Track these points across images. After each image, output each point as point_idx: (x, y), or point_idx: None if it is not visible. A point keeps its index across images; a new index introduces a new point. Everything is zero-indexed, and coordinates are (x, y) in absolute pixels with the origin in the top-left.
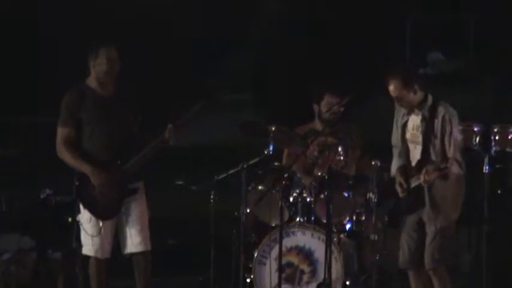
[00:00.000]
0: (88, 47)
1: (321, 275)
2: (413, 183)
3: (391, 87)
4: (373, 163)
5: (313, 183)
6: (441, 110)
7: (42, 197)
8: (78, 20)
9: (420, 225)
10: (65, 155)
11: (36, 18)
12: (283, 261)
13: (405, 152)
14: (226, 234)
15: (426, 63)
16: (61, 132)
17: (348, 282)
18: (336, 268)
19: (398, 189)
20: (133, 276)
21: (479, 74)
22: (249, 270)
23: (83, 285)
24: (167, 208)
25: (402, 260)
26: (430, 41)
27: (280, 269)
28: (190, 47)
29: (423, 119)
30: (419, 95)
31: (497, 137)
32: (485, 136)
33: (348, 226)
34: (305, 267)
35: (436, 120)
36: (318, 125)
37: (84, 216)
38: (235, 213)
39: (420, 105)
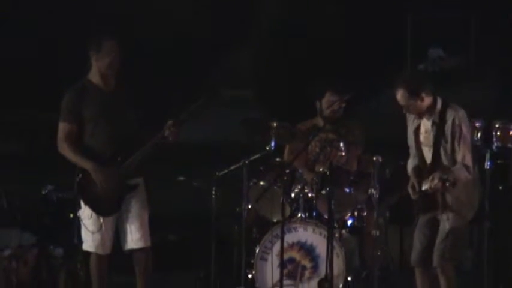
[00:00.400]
0: (89, 41)
1: (322, 270)
2: (424, 187)
3: (398, 97)
4: (374, 159)
5: (315, 179)
6: (451, 115)
7: (43, 193)
8: (80, 14)
9: (434, 223)
10: (66, 151)
11: (37, 13)
12: (285, 257)
13: (419, 155)
14: (228, 230)
15: (427, 60)
16: (62, 128)
17: (349, 278)
18: (338, 264)
19: (411, 191)
20: (134, 272)
21: (480, 70)
22: (250, 266)
23: (84, 281)
24: (168, 204)
25: (413, 256)
26: (431, 38)
27: (282, 264)
28: (191, 43)
29: (433, 124)
30: (427, 101)
31: (498, 133)
32: (487, 132)
33: (349, 222)
34: (307, 263)
35: (446, 125)
36: (319, 122)
37: (85, 212)
38: (237, 209)
39: (429, 111)
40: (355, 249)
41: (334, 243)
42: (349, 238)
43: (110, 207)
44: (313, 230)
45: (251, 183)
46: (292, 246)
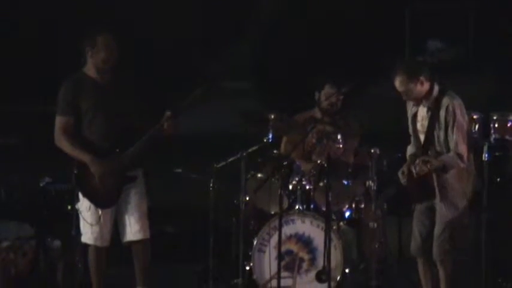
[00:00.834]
0: (84, 36)
1: (320, 262)
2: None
3: (397, 83)
4: (372, 151)
5: (313, 171)
6: (445, 102)
7: (41, 185)
8: (78, 8)
9: (432, 212)
10: (64, 144)
11: (36, 7)
12: (283, 249)
13: (417, 142)
14: (226, 222)
15: (425, 51)
16: (59, 121)
17: (347, 270)
18: (335, 256)
19: (400, 176)
20: (133, 264)
21: (478, 62)
22: (248, 258)
23: (83, 273)
24: (166, 196)
25: (413, 246)
26: (430, 29)
27: (280, 256)
28: (190, 35)
29: (428, 110)
30: (426, 85)
31: (496, 125)
32: (485, 124)
33: (347, 214)
34: (304, 255)
35: (440, 112)
36: (317, 113)
37: (83, 205)
38: (235, 201)
39: (426, 97)
40: (353, 241)
41: (332, 235)
42: (347, 230)
43: (108, 200)
44: (311, 222)
45: (249, 175)
46: (290, 238)
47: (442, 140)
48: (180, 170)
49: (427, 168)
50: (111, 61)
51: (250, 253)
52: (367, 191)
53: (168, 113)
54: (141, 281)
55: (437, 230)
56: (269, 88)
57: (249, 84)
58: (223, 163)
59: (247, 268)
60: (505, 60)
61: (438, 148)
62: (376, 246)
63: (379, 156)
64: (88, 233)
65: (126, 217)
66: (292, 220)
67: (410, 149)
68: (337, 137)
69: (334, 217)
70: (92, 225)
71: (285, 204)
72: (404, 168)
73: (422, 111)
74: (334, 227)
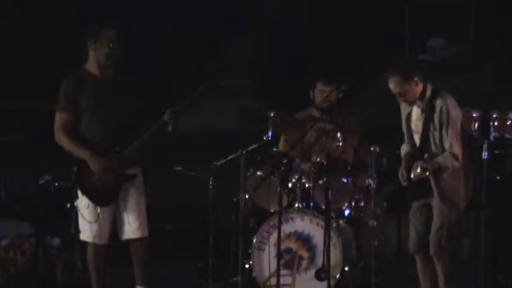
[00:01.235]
0: (87, 31)
1: (319, 260)
2: (411, 175)
3: (392, 85)
4: (371, 149)
5: (312, 169)
6: (439, 103)
7: (41, 183)
8: (78, 4)
9: (428, 209)
10: (63, 141)
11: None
12: (282, 247)
13: (411, 142)
14: (225, 220)
15: (426, 49)
16: (59, 118)
17: (346, 268)
18: (335, 254)
19: (400, 178)
20: (132, 262)
21: (478, 60)
22: (247, 256)
23: (82, 271)
24: (166, 194)
25: (411, 244)
26: (430, 26)
27: (279, 255)
28: (190, 33)
29: (423, 111)
30: (420, 86)
31: (496, 123)
32: (484, 122)
33: (346, 212)
34: (304, 253)
35: (435, 113)
36: (315, 112)
37: (82, 202)
38: (234, 199)
39: (420, 98)
40: (353, 239)
41: (332, 234)
42: (346, 228)
43: (107, 197)
44: (311, 220)
45: (248, 173)
46: (289, 236)
47: (437, 140)
48: (179, 168)
49: (425, 174)
50: (114, 57)
51: (249, 251)
52: (366, 189)
53: (168, 112)
54: (140, 279)
55: (434, 226)
56: (268, 86)
57: (248, 82)
58: (222, 161)
59: (247, 266)
60: (504, 59)
61: (434, 149)
62: (376, 244)
63: (378, 154)
64: (87, 230)
65: (125, 215)
66: (292, 218)
67: (404, 148)
68: (336, 135)
69: (333, 215)
70: (90, 223)
71: (285, 202)
72: (404, 171)
73: (417, 112)
74: (334, 225)
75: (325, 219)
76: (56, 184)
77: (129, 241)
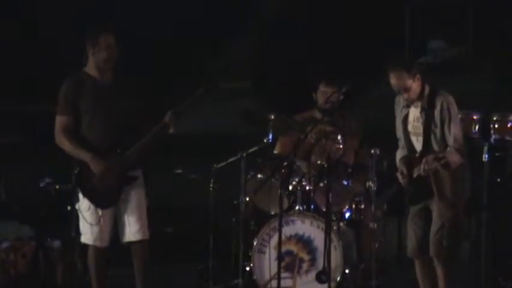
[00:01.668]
0: (87, 35)
1: (320, 263)
2: (415, 173)
3: (395, 80)
4: (372, 151)
5: (313, 171)
6: (439, 100)
7: (41, 185)
8: (78, 7)
9: (426, 213)
10: (64, 143)
11: (36, 6)
12: (283, 249)
13: (408, 145)
14: (226, 223)
15: (426, 51)
16: (59, 120)
17: (347, 271)
18: (335, 256)
19: (400, 177)
20: (132, 264)
21: (478, 61)
22: (248, 259)
23: (82, 274)
24: (166, 196)
25: (410, 248)
26: (430, 27)
27: (280, 257)
28: (190, 34)
29: (422, 110)
30: (420, 84)
31: (496, 126)
32: (485, 124)
33: (347, 214)
34: (304, 255)
35: (435, 110)
36: (317, 114)
37: (83, 205)
38: (235, 202)
39: (419, 96)
40: (353, 241)
41: (332, 236)
42: (346, 231)
43: (108, 200)
44: (311, 222)
45: (249, 176)
46: (290, 238)
47: (439, 138)
48: (180, 171)
49: (439, 164)
50: (113, 60)
51: (250, 253)
52: (367, 191)
53: (169, 113)
54: (140, 281)
55: (434, 228)
56: (269, 88)
57: (249, 84)
58: (223, 163)
59: (247, 269)
60: (504, 60)
61: (436, 147)
62: (376, 246)
63: (379, 156)
64: (88, 233)
65: (126, 217)
66: (292, 221)
67: (399, 153)
68: (337, 137)
69: (334, 218)
70: (91, 225)
71: (285, 205)
72: (403, 168)
73: (414, 112)
74: (334, 228)
75: (325, 221)
76: (57, 186)
77: (130, 243)
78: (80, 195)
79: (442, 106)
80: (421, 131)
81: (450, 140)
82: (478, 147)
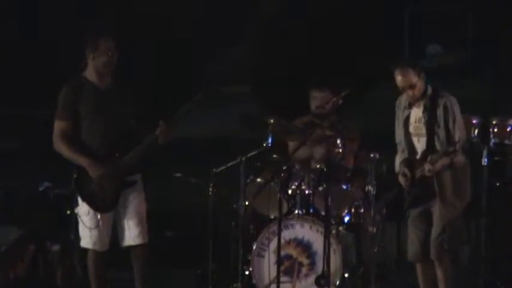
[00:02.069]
0: (86, 39)
1: (319, 267)
2: (418, 174)
3: (401, 77)
4: (371, 155)
5: (312, 175)
6: (442, 99)
7: (40, 189)
8: (78, 11)
9: (427, 216)
10: (62, 148)
11: (36, 11)
12: (282, 253)
13: (409, 146)
14: (225, 227)
15: (425, 56)
16: (58, 125)
17: (346, 275)
18: (335, 260)
19: (402, 179)
20: (131, 268)
21: (477, 66)
22: (247, 263)
23: (82, 278)
24: (165, 200)
25: (412, 252)
26: (429, 33)
27: (279, 261)
28: (189, 39)
29: (425, 110)
30: (423, 84)
31: (495, 130)
32: (484, 128)
33: (346, 218)
34: (304, 259)
35: (438, 110)
36: (314, 118)
37: (82, 209)
38: (234, 206)
39: (422, 96)
40: (352, 245)
41: (331, 240)
42: (346, 235)
43: (107, 204)
44: (310, 226)
45: (248, 180)
46: (289, 242)
47: (441, 138)
48: (179, 175)
49: (449, 161)
50: (112, 64)
51: (249, 257)
52: (366, 195)
53: (161, 123)
54: (140, 285)
55: (435, 230)
56: (268, 93)
57: (248, 88)
58: (222, 167)
59: (247, 272)
60: (504, 65)
61: (438, 147)
62: (375, 250)
63: (378, 160)
64: (87, 237)
65: (125, 221)
66: (292, 225)
67: (399, 157)
68: (336, 141)
69: (333, 222)
70: (90, 229)
71: (284, 209)
72: (405, 170)
73: (416, 113)
74: (334, 232)
75: (325, 225)
76: (56, 191)
77: (130, 247)
78: (79, 200)
79: (445, 106)
80: (422, 131)
81: (455, 138)
82: (477, 152)
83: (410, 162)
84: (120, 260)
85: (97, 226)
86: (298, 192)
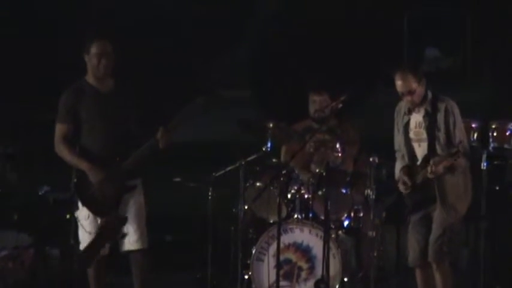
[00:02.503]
0: (84, 42)
1: (319, 271)
2: (419, 179)
3: (401, 82)
4: (371, 159)
5: (311, 179)
6: (443, 104)
7: (40, 193)
8: (78, 16)
9: (428, 220)
10: (63, 152)
11: (36, 15)
12: (281, 258)
13: (409, 152)
14: (224, 231)
15: (423, 60)
16: (59, 129)
17: (345, 279)
18: (334, 265)
19: (402, 187)
20: (131, 273)
21: (477, 70)
22: (247, 267)
23: (81, 282)
24: (165, 205)
25: (412, 257)
26: (427, 37)
27: (278, 265)
28: (189, 43)
29: (426, 114)
30: (424, 89)
31: (495, 134)
32: (483, 132)
33: (346, 223)
34: (303, 263)
35: (438, 114)
36: (313, 122)
37: (82, 213)
38: (233, 210)
39: (422, 101)
40: (352, 250)
41: (331, 244)
42: (345, 239)
43: (107, 208)
44: (310, 231)
45: (247, 184)
46: (288, 247)
47: (442, 143)
48: (179, 179)
49: (451, 163)
50: (106, 67)
51: (249, 262)
52: (366, 199)
53: (161, 129)
54: None
55: (435, 234)
56: (268, 97)
57: (247, 93)
58: (222, 172)
59: (246, 277)
60: (502, 69)
61: (440, 151)
62: (375, 254)
63: (378, 164)
64: (86, 241)
65: (125, 226)
66: (291, 229)
67: (399, 164)
68: (335, 145)
69: (332, 226)
70: (90, 233)
71: (284, 213)
72: (404, 178)
73: (416, 118)
74: (333, 236)
75: (324, 229)
76: (55, 195)
77: (129, 252)
78: (79, 204)
79: (446, 110)
80: (423, 136)
81: (456, 142)
82: (476, 156)
83: (410, 169)
84: (119, 264)
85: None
86: (297, 196)
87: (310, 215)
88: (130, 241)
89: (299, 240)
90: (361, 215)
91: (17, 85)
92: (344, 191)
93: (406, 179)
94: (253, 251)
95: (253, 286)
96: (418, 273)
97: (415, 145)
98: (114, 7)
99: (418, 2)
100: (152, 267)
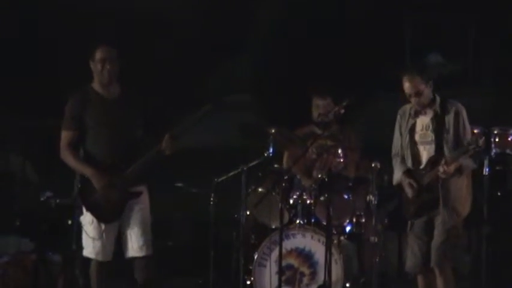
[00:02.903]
0: (89, 48)
1: (321, 277)
2: (426, 181)
3: (408, 83)
4: (373, 165)
5: (313, 185)
6: (452, 106)
7: (42, 199)
8: (80, 21)
9: (430, 226)
10: (68, 158)
11: (36, 20)
12: (283, 263)
13: (413, 156)
14: (226, 236)
15: (425, 65)
16: (65, 135)
17: (347, 285)
18: (336, 270)
19: (409, 190)
20: (134, 279)
21: (479, 75)
22: (249, 273)
23: None
24: (167, 210)
25: (413, 263)
26: (429, 42)
27: (280, 271)
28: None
29: (435, 116)
30: (430, 91)
31: (497, 139)
32: (485, 138)
33: (348, 228)
34: (305, 269)
35: (448, 116)
36: (316, 128)
37: (86, 218)
38: (235, 216)
39: (430, 104)
40: (354, 255)
41: (333, 250)
42: (347, 244)
43: (111, 214)
44: (312, 236)
45: (250, 190)
46: (290, 252)
47: (450, 144)
48: (180, 184)
49: (460, 164)
50: (110, 74)
51: (250, 267)
52: (367, 205)
53: (166, 136)
54: None
55: (438, 238)
56: (270, 102)
57: (249, 98)
58: (223, 177)
59: (248, 282)
60: (504, 75)
61: (447, 153)
62: (377, 260)
63: (380, 170)
64: (90, 247)
65: (129, 233)
66: (293, 234)
67: (399, 169)
68: (337, 151)
69: (334, 231)
70: (94, 239)
71: (286, 219)
72: (410, 180)
73: (423, 121)
74: (335, 242)
75: (326, 235)
76: (57, 200)
77: (133, 259)
78: (84, 209)
79: (456, 112)
80: (429, 139)
81: (464, 143)
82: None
83: (413, 172)
84: (123, 271)
85: (100, 237)
86: (299, 201)
87: (312, 220)
88: (135, 248)
89: (301, 246)
90: (363, 220)
91: (19, 90)
92: (346, 196)
93: (411, 180)
94: (255, 257)
95: None
96: (419, 280)
97: (421, 148)
98: (115, 11)
99: (420, 8)
100: (154, 272)
